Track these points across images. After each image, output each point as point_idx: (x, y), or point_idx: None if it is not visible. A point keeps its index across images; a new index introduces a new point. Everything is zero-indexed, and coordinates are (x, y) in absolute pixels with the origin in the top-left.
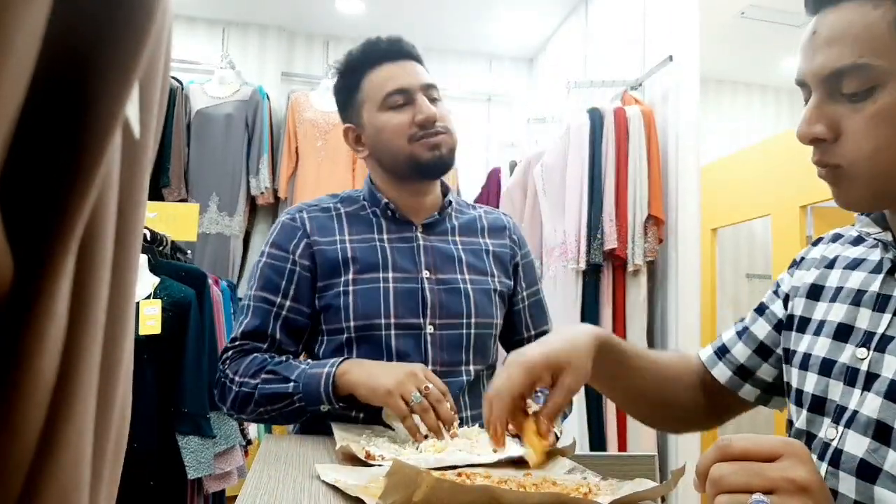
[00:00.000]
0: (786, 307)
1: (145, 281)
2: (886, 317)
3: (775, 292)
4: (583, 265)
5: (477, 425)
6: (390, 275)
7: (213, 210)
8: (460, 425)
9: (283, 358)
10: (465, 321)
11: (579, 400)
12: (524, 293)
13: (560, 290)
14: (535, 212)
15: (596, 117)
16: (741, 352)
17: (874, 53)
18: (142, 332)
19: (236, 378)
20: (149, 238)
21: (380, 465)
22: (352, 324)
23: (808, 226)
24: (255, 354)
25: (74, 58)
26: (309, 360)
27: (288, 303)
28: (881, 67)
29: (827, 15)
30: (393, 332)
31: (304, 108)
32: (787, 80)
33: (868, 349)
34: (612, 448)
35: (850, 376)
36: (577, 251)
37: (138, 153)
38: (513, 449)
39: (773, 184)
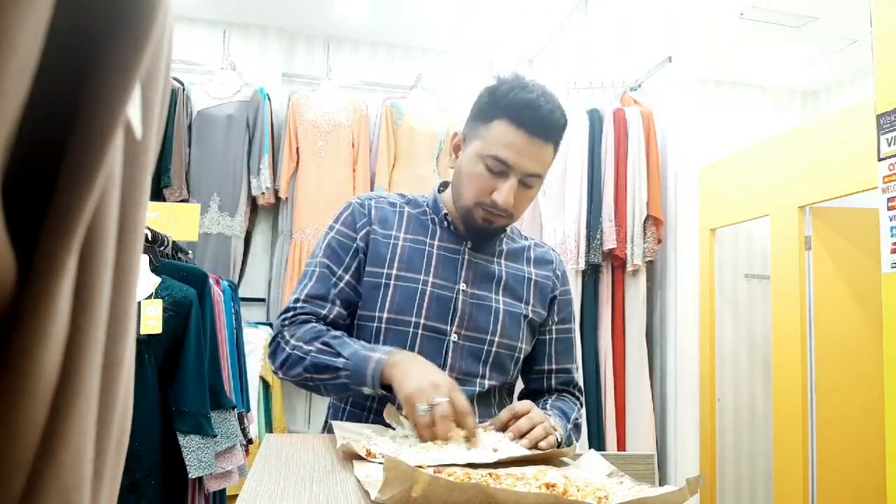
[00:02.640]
0: None
1: (147, 281)
2: None
3: None
4: (582, 265)
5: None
6: (430, 279)
7: (214, 210)
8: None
9: (340, 333)
10: (488, 337)
11: None
12: (553, 326)
13: None
14: (534, 212)
15: (595, 118)
16: None
17: None
18: (143, 331)
19: (291, 341)
20: (150, 238)
21: (382, 464)
22: (385, 315)
23: (807, 226)
24: (313, 324)
25: (76, 59)
26: (362, 342)
27: (347, 276)
28: None
29: None
30: (420, 331)
31: (304, 108)
32: (786, 80)
33: None
34: (612, 447)
35: None
36: (576, 251)
37: (140, 153)
38: (513, 449)
39: (771, 184)
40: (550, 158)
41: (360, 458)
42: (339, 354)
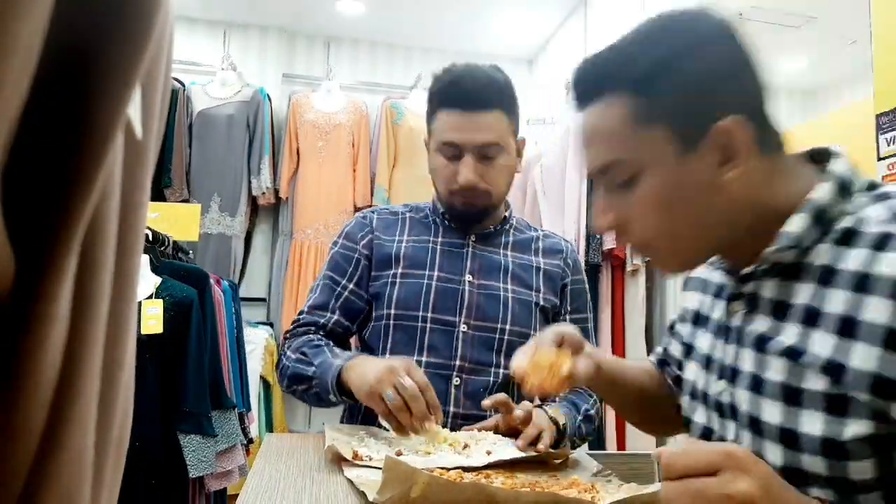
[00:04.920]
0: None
1: (147, 281)
2: (730, 347)
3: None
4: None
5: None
6: (435, 273)
7: (214, 210)
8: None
9: (322, 342)
10: (499, 326)
11: None
12: (568, 316)
13: None
14: (534, 213)
15: None
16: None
17: (622, 149)
18: (144, 331)
19: (287, 352)
20: (151, 238)
21: (369, 467)
22: (392, 311)
23: None
24: (310, 335)
25: (77, 59)
26: (338, 349)
27: (350, 285)
28: (632, 159)
29: (584, 116)
30: (429, 325)
31: (305, 109)
32: (786, 81)
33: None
34: (612, 446)
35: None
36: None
37: (140, 154)
38: (505, 452)
39: None
40: (504, 123)
41: (346, 460)
42: (311, 364)
